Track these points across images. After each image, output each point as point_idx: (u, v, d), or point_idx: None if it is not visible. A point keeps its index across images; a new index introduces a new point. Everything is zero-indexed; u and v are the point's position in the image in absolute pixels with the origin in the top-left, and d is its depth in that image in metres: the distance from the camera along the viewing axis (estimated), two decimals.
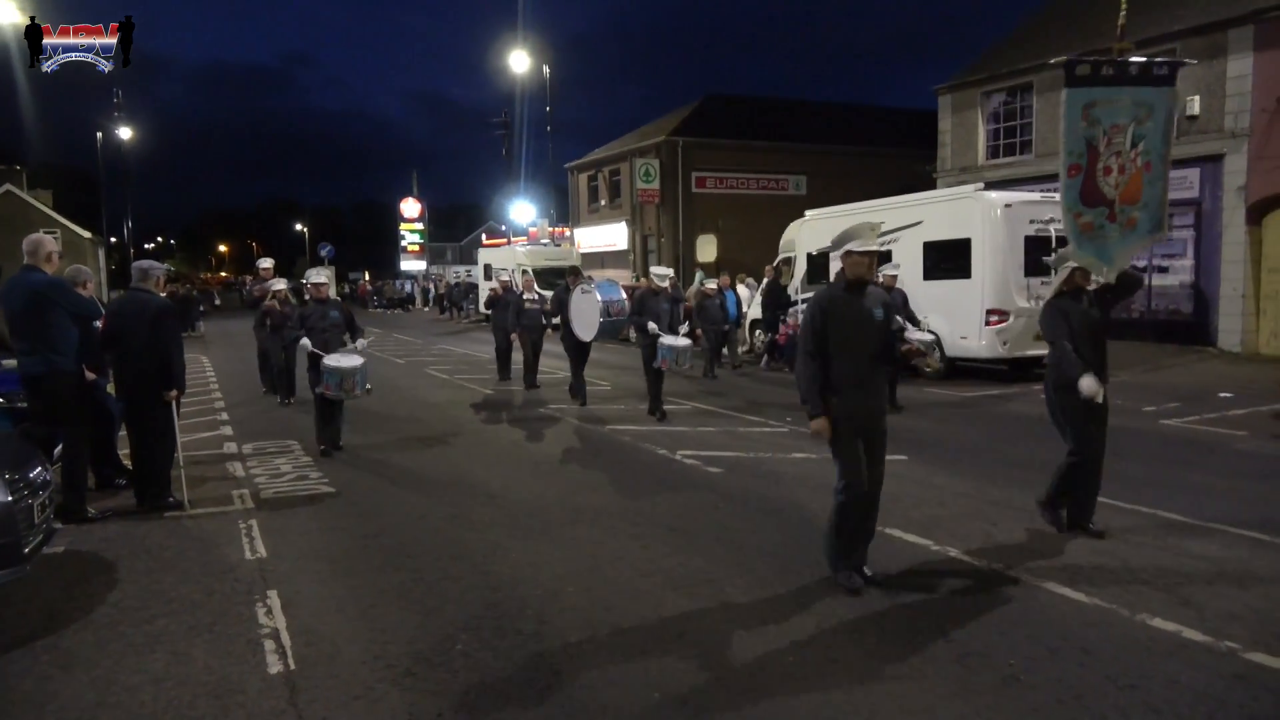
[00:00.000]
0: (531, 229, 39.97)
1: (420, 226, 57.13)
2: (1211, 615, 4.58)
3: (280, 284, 12.75)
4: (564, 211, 45.00)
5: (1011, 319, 13.44)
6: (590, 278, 13.18)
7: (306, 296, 9.70)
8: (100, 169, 42.28)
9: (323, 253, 40.76)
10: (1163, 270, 18.70)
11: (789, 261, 18.19)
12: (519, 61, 35.41)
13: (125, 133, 42.59)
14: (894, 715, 3.65)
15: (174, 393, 6.97)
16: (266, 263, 14.16)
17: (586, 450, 9.33)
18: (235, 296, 57.92)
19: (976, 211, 13.70)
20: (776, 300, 17.34)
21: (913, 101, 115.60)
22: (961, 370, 14.57)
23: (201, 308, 34.25)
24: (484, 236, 62.51)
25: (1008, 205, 13.57)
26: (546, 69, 35.43)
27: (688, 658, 4.23)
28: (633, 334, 12.53)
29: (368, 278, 70.66)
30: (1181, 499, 6.81)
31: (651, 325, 10.83)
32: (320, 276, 9.59)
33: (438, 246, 71.23)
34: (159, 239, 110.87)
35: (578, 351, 12.43)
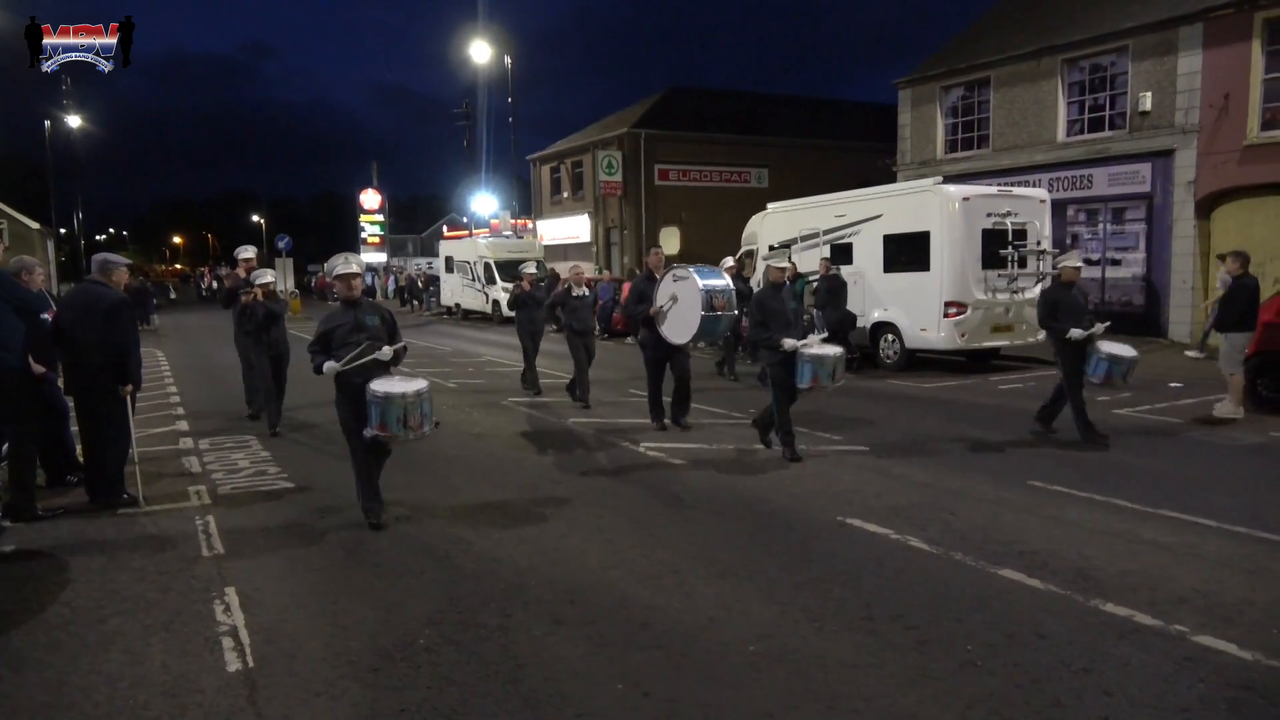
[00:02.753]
0: (493, 221, 39.76)
1: (380, 218, 56.50)
2: (1161, 599, 4.69)
3: (269, 275, 10.23)
4: (526, 203, 44.77)
5: (969, 311, 13.64)
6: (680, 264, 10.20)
7: (334, 296, 7.75)
8: (49, 158, 41.15)
9: (280, 244, 40.12)
10: (1115, 263, 19.09)
11: (751, 254, 18.28)
12: (480, 52, 35.11)
13: (75, 121, 41.52)
14: (854, 702, 3.70)
15: (129, 388, 6.83)
16: (248, 251, 11.36)
17: (549, 443, 9.31)
18: (192, 290, 56.94)
19: (935, 205, 13.86)
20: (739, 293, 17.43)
21: (873, 96, 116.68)
22: (921, 362, 14.75)
23: (156, 301, 33.55)
24: (445, 228, 62.05)
25: (965, 199, 13.76)
26: (508, 60, 35.17)
27: (651, 648, 4.24)
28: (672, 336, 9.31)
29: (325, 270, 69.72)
30: (1133, 486, 6.97)
31: (788, 341, 7.84)
32: (266, 277, 8.97)
33: (398, 238, 70.52)
34: (111, 230, 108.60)
35: (657, 365, 9.76)
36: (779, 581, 5.10)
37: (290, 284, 36.80)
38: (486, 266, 28.84)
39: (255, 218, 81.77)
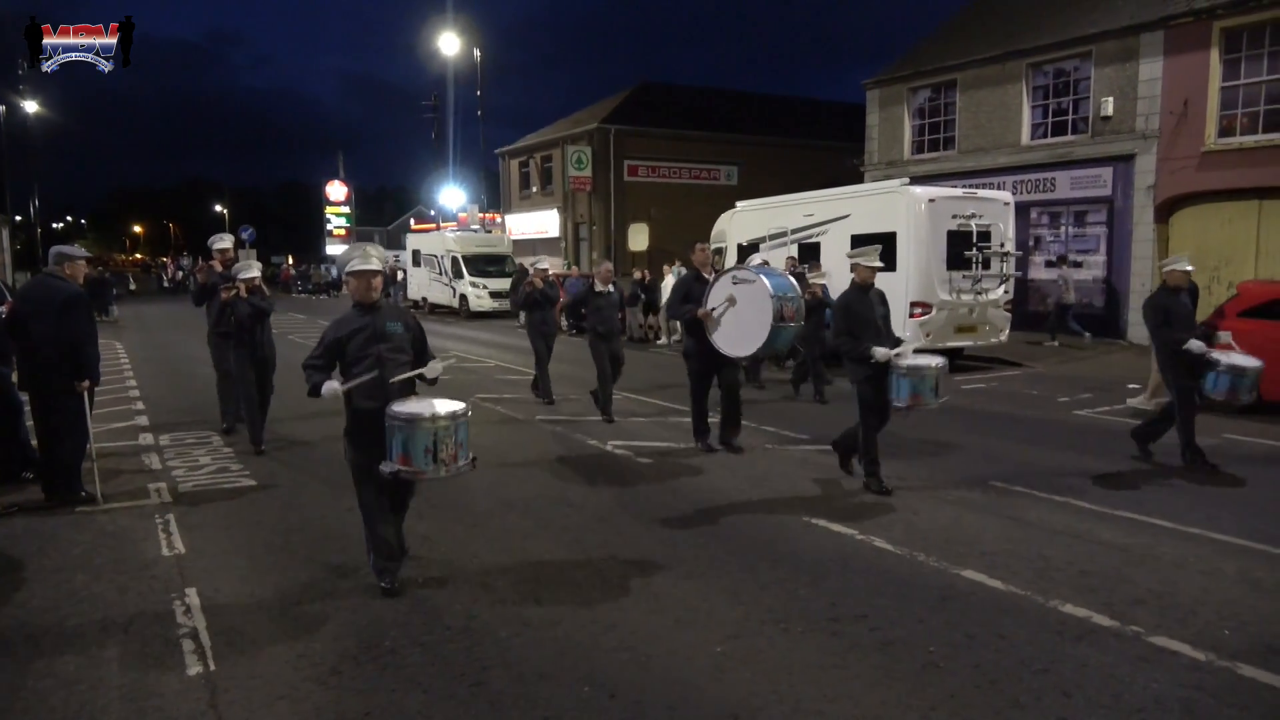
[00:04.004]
0: (461, 214, 39.45)
1: (346, 210, 55.96)
2: (1118, 600, 4.79)
3: (255, 269, 8.80)
4: (495, 197, 44.52)
5: (934, 311, 13.79)
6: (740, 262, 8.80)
7: (346, 289, 5.57)
8: (2, 143, 40.16)
9: (244, 235, 39.56)
10: (1077, 265, 19.38)
11: (720, 252, 18.33)
12: (449, 44, 34.85)
13: (31, 106, 40.56)
14: (818, 703, 3.73)
15: (85, 383, 6.69)
16: (224, 241, 9.76)
17: (515, 441, 9.27)
18: (153, 281, 55.90)
19: (902, 206, 13.99)
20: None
21: (842, 95, 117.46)
22: None
23: (115, 291, 32.92)
24: (412, 221, 61.49)
25: (932, 200, 13.90)
26: (478, 52, 34.95)
27: (618, 650, 4.25)
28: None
29: (291, 262, 68.84)
30: (1092, 489, 7.10)
31: (879, 350, 6.84)
32: (252, 270, 8.30)
33: (364, 230, 69.73)
34: (68, 218, 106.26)
35: (703, 377, 8.54)
36: (744, 582, 5.13)
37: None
38: (454, 261, 28.63)
39: (218, 207, 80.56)
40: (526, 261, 16.10)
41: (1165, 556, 5.51)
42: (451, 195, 42.44)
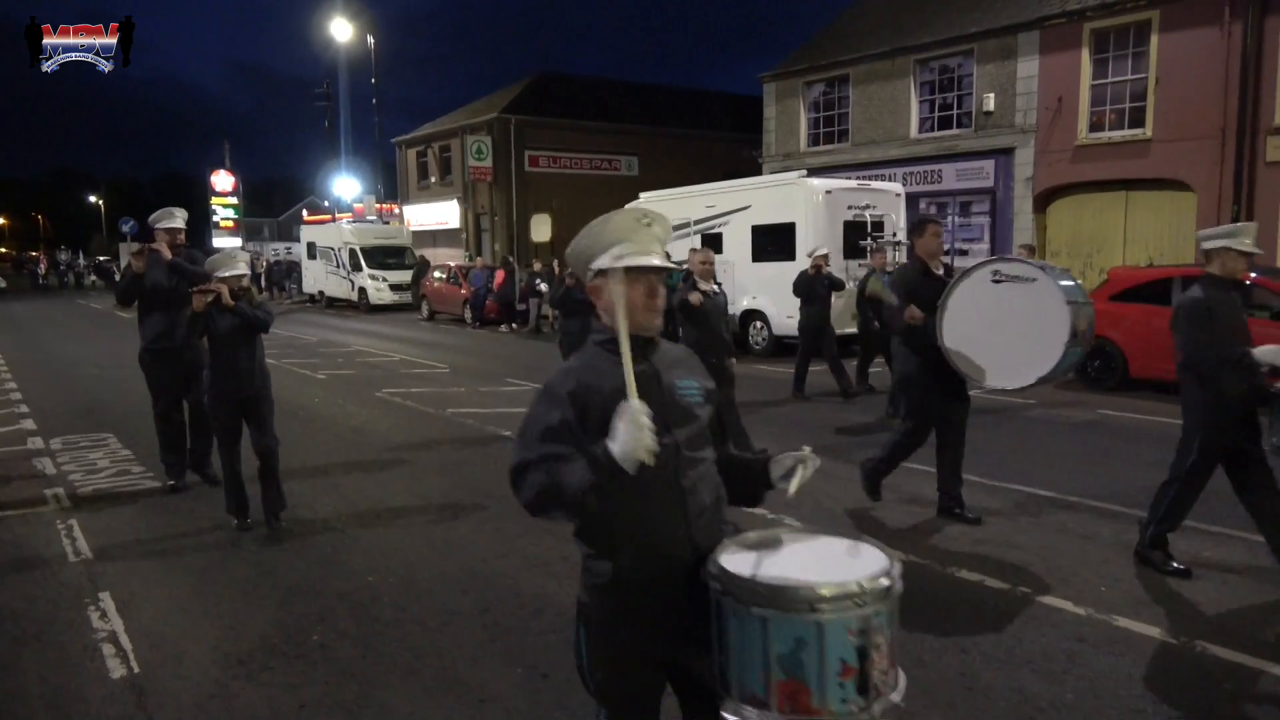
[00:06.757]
0: (357, 205, 38.53)
1: (234, 201, 53.74)
2: (1009, 565, 5.19)
3: (241, 264, 6.16)
4: (392, 188, 43.61)
5: (832, 299, 14.29)
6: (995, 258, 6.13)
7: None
8: None
9: (124, 228, 37.70)
10: (962, 254, 20.34)
11: None
12: (341, 30, 33.95)
13: None
14: None
15: None
16: (175, 220, 7.09)
17: (429, 434, 9.25)
18: (25, 279, 52.53)
19: (800, 197, 14.48)
20: None
21: (735, 86, 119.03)
22: (788, 348, 15.35)
23: None
24: (305, 212, 59.60)
25: (828, 192, 14.43)
26: (371, 40, 34.16)
27: (547, 633, 4.38)
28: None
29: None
30: (982, 463, 7.55)
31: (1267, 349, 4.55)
32: (239, 266, 6.06)
33: (254, 222, 67.30)
34: None
35: (929, 416, 6.09)
36: None
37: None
38: (352, 253, 28.00)
39: (93, 198, 76.39)
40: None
41: (1049, 524, 5.97)
42: (346, 186, 41.37)
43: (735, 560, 2.11)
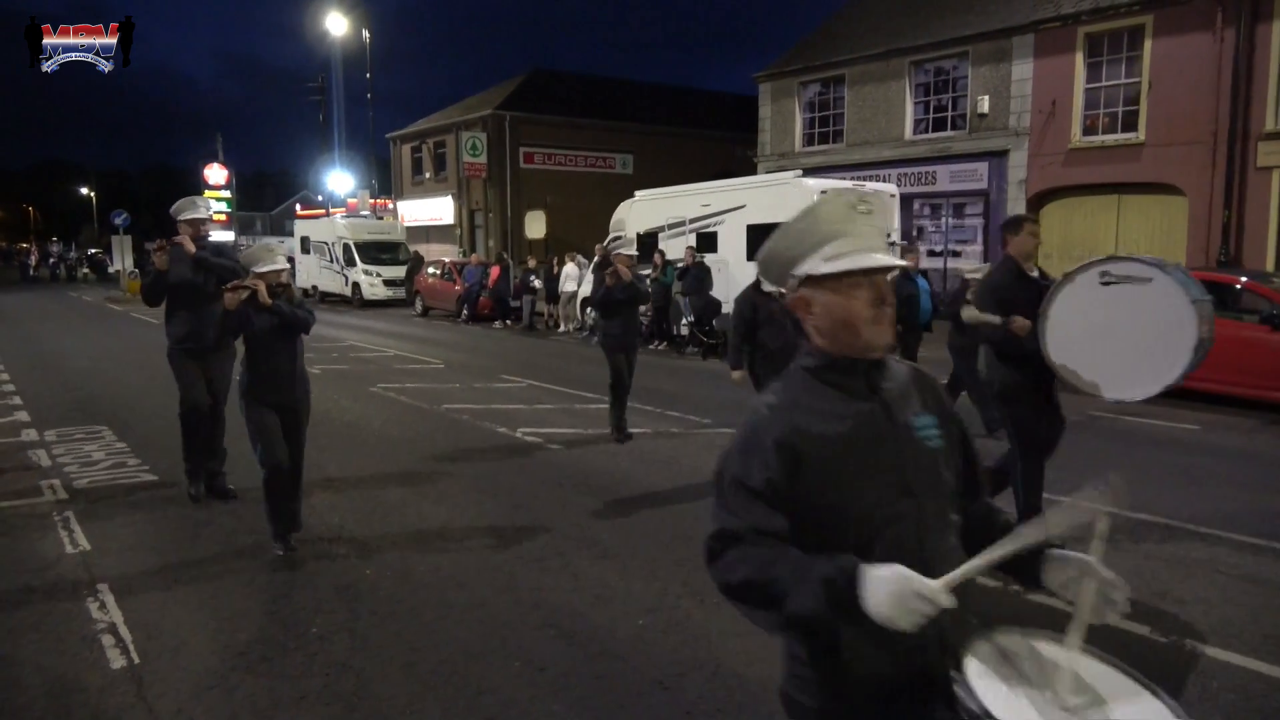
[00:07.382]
0: (351, 200, 38.50)
1: (227, 194, 53.53)
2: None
3: (281, 257, 5.74)
4: (386, 183, 43.54)
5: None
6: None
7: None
8: None
9: (117, 221, 37.47)
10: (956, 255, 20.46)
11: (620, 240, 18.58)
12: (336, 24, 33.91)
13: None
14: (737, 667, 4.00)
15: None
16: (199, 210, 6.59)
17: (424, 429, 9.28)
18: (15, 271, 52.22)
19: (795, 196, 14.50)
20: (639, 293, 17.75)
21: (729, 86, 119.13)
22: None
23: None
24: (298, 207, 59.43)
25: (824, 192, 14.43)
26: (366, 34, 34.12)
27: (543, 627, 4.43)
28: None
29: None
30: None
31: None
32: (279, 260, 5.62)
33: (246, 216, 67.11)
34: None
35: (1033, 429, 5.34)
36: (659, 560, 5.37)
37: (129, 263, 34.48)
38: (346, 248, 27.98)
39: (84, 190, 76.03)
40: (601, 246, 13.02)
41: None
42: (340, 180, 41.29)
43: (993, 692, 1.60)
